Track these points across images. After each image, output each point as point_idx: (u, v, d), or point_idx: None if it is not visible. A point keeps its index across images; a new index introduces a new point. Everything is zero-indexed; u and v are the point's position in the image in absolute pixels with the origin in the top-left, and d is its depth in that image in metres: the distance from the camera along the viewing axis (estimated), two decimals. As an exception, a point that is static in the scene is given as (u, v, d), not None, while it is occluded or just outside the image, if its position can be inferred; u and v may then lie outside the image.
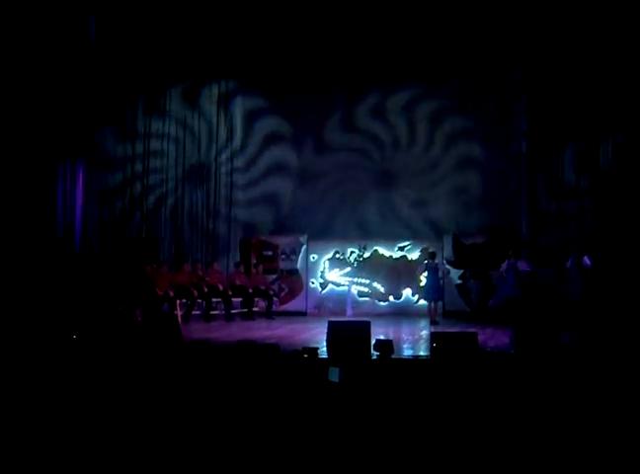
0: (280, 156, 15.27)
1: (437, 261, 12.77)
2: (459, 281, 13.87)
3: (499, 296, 12.83)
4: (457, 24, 12.15)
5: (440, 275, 12.80)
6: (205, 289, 12.45)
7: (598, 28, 11.63)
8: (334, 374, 6.57)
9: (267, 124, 15.23)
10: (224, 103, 14.78)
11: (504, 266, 12.34)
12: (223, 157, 14.86)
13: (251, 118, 15.25)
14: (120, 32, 11.78)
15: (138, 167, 13.24)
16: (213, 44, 13.12)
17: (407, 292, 14.19)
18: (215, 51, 13.39)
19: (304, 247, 14.48)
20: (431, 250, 13.26)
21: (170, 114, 13.87)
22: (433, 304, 12.39)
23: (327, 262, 14.48)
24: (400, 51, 13.30)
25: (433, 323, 11.91)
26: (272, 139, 15.24)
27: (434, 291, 12.42)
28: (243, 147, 15.21)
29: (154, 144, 13.61)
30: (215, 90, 14.69)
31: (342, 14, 12.07)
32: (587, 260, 11.49)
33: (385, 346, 7.87)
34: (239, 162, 15.13)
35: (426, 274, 12.61)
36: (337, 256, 14.47)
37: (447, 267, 13.58)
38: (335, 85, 14.53)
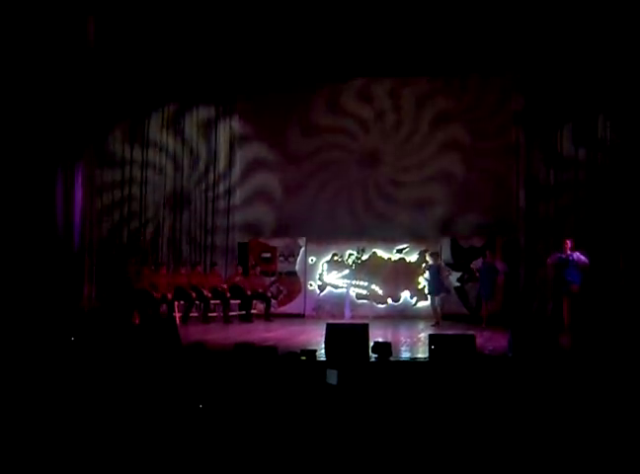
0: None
1: (439, 261, 12.76)
2: (457, 284, 13.87)
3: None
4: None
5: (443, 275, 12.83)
6: (205, 292, 12.45)
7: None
8: (332, 377, 6.57)
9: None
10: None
11: (477, 263, 12.27)
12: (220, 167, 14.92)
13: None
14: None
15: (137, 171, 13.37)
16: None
17: (405, 295, 14.18)
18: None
19: (303, 249, 14.48)
20: (432, 251, 13.24)
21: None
22: (437, 301, 12.38)
23: (325, 264, 14.49)
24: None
25: (435, 324, 11.94)
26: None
27: (435, 288, 12.42)
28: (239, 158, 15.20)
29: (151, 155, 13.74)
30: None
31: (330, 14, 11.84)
32: (581, 256, 10.97)
33: (383, 348, 7.88)
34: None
35: (427, 274, 12.65)
36: (335, 258, 14.46)
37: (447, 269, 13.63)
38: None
